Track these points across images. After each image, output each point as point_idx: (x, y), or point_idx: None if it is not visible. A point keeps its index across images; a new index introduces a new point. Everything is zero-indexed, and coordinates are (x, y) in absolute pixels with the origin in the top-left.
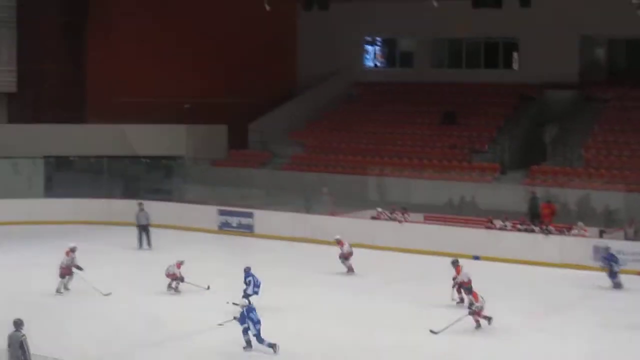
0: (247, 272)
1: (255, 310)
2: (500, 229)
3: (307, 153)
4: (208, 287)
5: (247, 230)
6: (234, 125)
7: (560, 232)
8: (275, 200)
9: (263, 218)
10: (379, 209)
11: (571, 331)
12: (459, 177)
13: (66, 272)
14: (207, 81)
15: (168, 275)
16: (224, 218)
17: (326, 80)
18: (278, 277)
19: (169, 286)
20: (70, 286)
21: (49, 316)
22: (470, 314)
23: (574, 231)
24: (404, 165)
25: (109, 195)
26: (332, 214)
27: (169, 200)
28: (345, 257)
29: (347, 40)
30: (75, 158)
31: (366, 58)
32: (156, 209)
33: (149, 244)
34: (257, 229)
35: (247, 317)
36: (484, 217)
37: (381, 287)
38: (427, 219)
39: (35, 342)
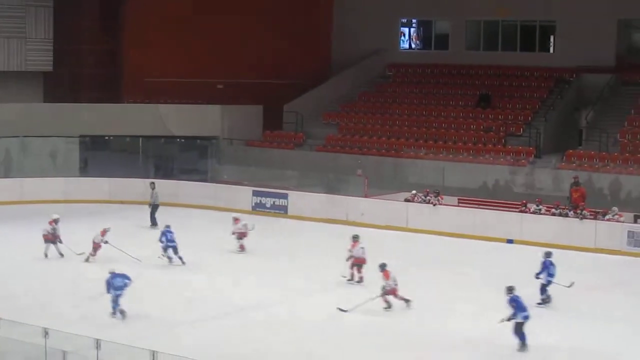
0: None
1: (121, 277)
2: (534, 212)
3: (342, 134)
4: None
5: (281, 211)
6: (269, 106)
7: (595, 216)
8: (309, 182)
9: (297, 199)
10: (414, 192)
11: (605, 315)
12: (493, 160)
13: (49, 238)
14: (242, 62)
15: (94, 245)
16: (257, 199)
17: (361, 62)
18: (311, 259)
19: (89, 255)
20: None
21: (81, 292)
22: (382, 294)
23: (609, 216)
24: (438, 148)
25: (144, 175)
26: (366, 195)
27: (204, 180)
28: (239, 236)
29: (383, 22)
30: (111, 138)
31: (401, 40)
32: (191, 189)
33: (154, 223)
34: (291, 210)
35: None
36: (518, 201)
37: (411, 271)
38: (461, 202)
39: (68, 317)
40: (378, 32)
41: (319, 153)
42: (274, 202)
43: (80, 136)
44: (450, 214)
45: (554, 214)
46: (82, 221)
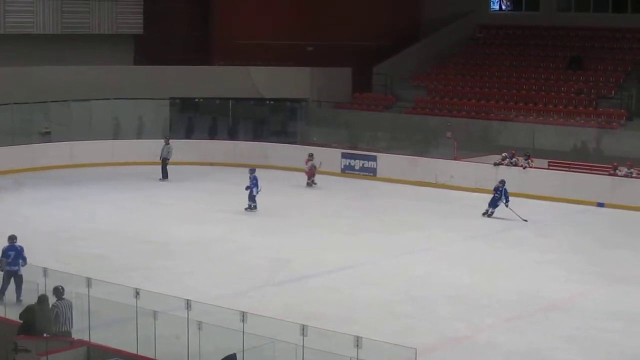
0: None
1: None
2: (625, 176)
3: (431, 97)
4: None
5: (370, 173)
6: (358, 68)
7: None
8: (398, 144)
9: (386, 161)
10: (504, 154)
11: None
12: (584, 122)
13: None
14: (332, 24)
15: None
16: (346, 161)
17: (451, 24)
18: (402, 221)
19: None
20: None
21: (173, 256)
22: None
23: None
24: (529, 110)
25: (234, 137)
26: (455, 158)
27: (293, 142)
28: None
29: None
30: (201, 100)
31: (492, 1)
32: (280, 151)
33: (164, 176)
34: (380, 172)
35: None
36: (609, 164)
37: (499, 234)
38: (551, 165)
39: (162, 282)
40: None
41: (408, 115)
42: (362, 165)
43: (171, 98)
44: (540, 176)
45: None
46: (171, 183)
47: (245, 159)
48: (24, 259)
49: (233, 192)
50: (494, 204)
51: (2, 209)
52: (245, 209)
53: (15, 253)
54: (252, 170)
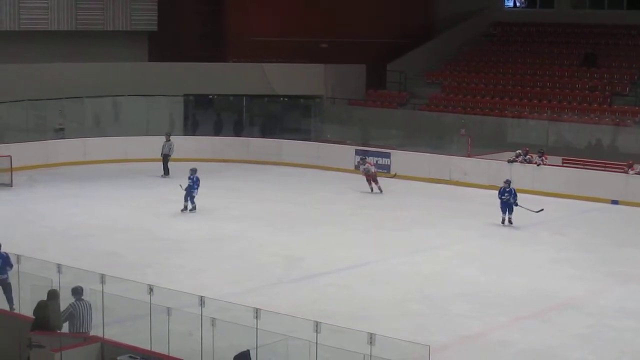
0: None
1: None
2: (639, 173)
3: (445, 94)
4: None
5: (384, 170)
6: (372, 65)
7: None
8: (412, 141)
9: (400, 158)
10: (519, 151)
11: None
12: (598, 120)
13: None
14: (346, 20)
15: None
16: (360, 158)
17: (465, 21)
18: (415, 218)
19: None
20: None
21: (186, 253)
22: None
23: None
24: (543, 107)
25: (248, 134)
26: (469, 155)
27: (307, 139)
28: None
29: None
30: (215, 97)
31: None
32: (294, 148)
33: (166, 172)
34: (394, 169)
35: None
36: (623, 161)
37: (512, 231)
38: (566, 162)
39: (175, 279)
40: None
41: (422, 112)
42: (376, 162)
43: (185, 95)
44: (554, 173)
45: None
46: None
47: (259, 155)
48: (11, 265)
49: (246, 189)
50: (505, 208)
51: (16, 206)
52: (182, 210)
53: (2, 261)
54: (194, 171)
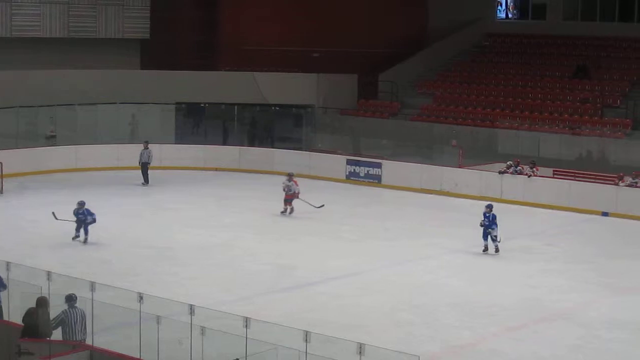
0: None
1: None
2: (630, 185)
3: (437, 104)
4: None
5: (375, 180)
6: (364, 75)
7: None
8: (404, 151)
9: (391, 168)
10: (509, 162)
11: None
12: (589, 132)
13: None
14: (338, 30)
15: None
16: (352, 168)
17: (457, 31)
18: (406, 228)
19: None
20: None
21: (176, 262)
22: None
23: None
24: (534, 118)
25: (239, 142)
26: (461, 166)
27: (298, 149)
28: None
29: None
30: (206, 105)
31: (498, 9)
32: (285, 157)
33: (146, 180)
34: (385, 180)
35: None
36: (614, 174)
37: (503, 242)
38: (556, 174)
39: (165, 287)
40: (474, 1)
41: (413, 123)
42: (367, 172)
43: (176, 103)
44: (545, 185)
45: None
46: (177, 188)
47: (250, 164)
48: (4, 286)
49: (238, 197)
50: (486, 235)
51: (7, 213)
52: (73, 238)
53: None
54: (82, 204)
